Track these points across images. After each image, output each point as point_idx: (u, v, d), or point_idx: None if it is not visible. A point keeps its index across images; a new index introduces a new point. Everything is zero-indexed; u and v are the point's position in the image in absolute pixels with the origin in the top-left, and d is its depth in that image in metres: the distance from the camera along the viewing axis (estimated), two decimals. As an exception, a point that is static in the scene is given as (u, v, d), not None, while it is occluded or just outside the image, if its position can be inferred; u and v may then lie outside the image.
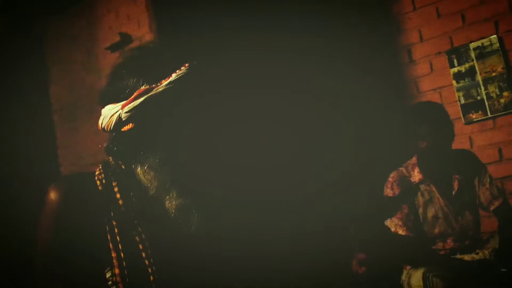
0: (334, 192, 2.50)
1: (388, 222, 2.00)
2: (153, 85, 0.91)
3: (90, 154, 3.17)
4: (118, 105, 0.93)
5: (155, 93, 0.90)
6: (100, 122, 0.97)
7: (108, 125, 0.95)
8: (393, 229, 1.98)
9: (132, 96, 0.91)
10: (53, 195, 0.93)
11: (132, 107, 0.91)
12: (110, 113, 0.94)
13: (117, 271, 0.88)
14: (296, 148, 2.59)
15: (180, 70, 0.91)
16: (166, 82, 0.90)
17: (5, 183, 2.92)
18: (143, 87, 0.91)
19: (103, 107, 0.97)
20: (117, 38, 2.78)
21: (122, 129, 0.93)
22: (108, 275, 0.90)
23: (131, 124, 0.92)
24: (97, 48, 3.06)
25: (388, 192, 2.03)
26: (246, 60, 2.51)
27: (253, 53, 2.56)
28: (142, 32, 2.71)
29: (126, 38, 2.76)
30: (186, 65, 0.92)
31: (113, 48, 2.86)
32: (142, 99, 0.90)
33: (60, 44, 3.39)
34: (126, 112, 0.91)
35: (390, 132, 2.72)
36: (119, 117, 0.92)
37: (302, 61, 2.78)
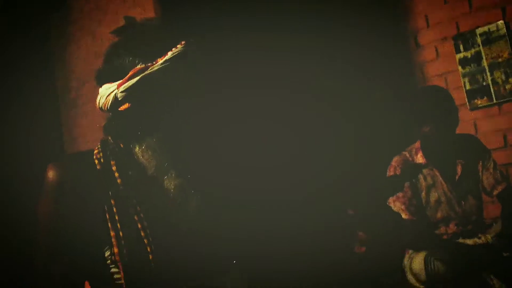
0: (334, 192, 2.49)
1: (390, 202, 2.00)
2: (149, 64, 0.90)
3: (97, 138, 3.16)
4: (114, 85, 0.92)
5: (150, 72, 0.89)
6: (97, 101, 0.97)
7: (105, 105, 0.94)
8: (395, 209, 1.97)
9: (128, 75, 0.90)
10: (51, 173, 0.93)
11: (127, 86, 0.90)
12: (106, 92, 0.93)
13: (115, 250, 0.88)
14: (296, 148, 2.59)
15: (176, 48, 0.90)
16: (162, 61, 0.89)
17: (5, 183, 2.92)
18: (138, 66, 0.90)
19: (101, 86, 0.96)
20: (122, 23, 2.77)
21: (119, 109, 0.93)
22: (107, 254, 0.90)
23: (127, 103, 0.91)
24: (103, 33, 3.05)
25: (390, 175, 2.03)
26: (246, 60, 2.51)
27: (253, 53, 2.55)
28: (147, 16, 2.70)
29: (131, 22, 2.74)
30: (183, 43, 0.91)
31: (118, 32, 2.84)
32: (137, 78, 0.89)
33: (66, 29, 3.39)
34: (121, 92, 0.90)
35: (390, 132, 2.72)
36: (115, 97, 0.91)
37: (302, 60, 2.78)
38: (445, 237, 1.98)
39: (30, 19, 3.29)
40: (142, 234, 0.89)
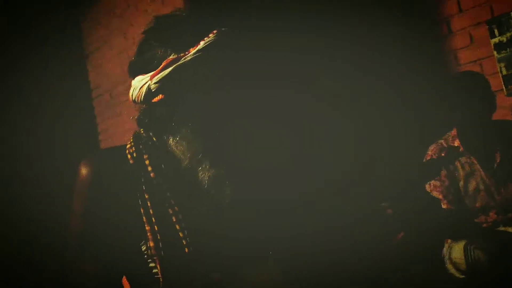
0: (334, 192, 2.49)
1: (428, 188, 1.97)
2: (181, 54, 0.89)
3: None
4: (147, 76, 0.91)
5: (184, 62, 0.88)
6: (130, 94, 0.96)
7: (138, 97, 0.94)
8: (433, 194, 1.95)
9: (160, 66, 0.89)
10: (84, 170, 0.93)
11: (160, 77, 0.89)
12: (139, 84, 0.93)
13: (151, 244, 0.88)
14: (296, 147, 2.59)
15: (208, 37, 0.89)
16: (194, 51, 0.88)
17: (5, 183, 2.92)
18: (171, 57, 0.89)
19: (133, 79, 0.96)
20: (151, 22, 2.78)
21: (153, 101, 0.92)
22: (143, 248, 0.90)
23: (161, 95, 0.91)
24: (133, 33, 3.07)
25: (427, 165, 2.01)
26: (245, 60, 2.50)
27: (253, 53, 2.55)
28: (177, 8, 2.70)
29: (161, 17, 2.76)
30: (214, 31, 0.90)
31: (149, 29, 2.86)
32: (170, 69, 0.88)
33: (98, 30, 3.42)
34: (155, 83, 0.90)
35: (390, 132, 2.72)
36: (149, 88, 0.91)
37: (304, 60, 2.78)
38: (485, 225, 1.94)
39: (30, 19, 3.30)
40: (177, 227, 0.88)
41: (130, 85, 0.97)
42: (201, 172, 0.90)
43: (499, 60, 2.61)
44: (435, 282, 1.99)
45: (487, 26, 2.64)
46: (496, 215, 1.93)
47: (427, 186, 1.98)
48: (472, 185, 1.94)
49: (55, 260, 2.76)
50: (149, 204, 0.89)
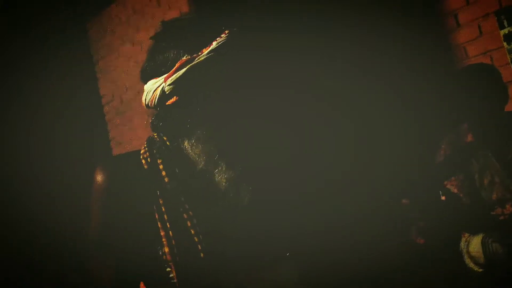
0: (334, 192, 2.49)
1: (446, 185, 1.96)
2: (194, 55, 0.88)
3: (143, 143, 3.21)
4: (161, 79, 0.91)
5: (197, 63, 0.87)
6: (143, 98, 0.95)
7: (151, 100, 0.93)
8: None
9: (174, 68, 0.89)
10: (99, 177, 0.93)
11: (175, 78, 0.88)
12: (153, 87, 0.92)
13: (166, 249, 0.87)
14: (297, 147, 2.59)
15: (220, 37, 0.89)
16: (207, 51, 0.88)
17: (5, 183, 2.92)
18: (184, 58, 0.89)
19: (145, 83, 0.95)
20: (159, 28, 2.80)
21: (167, 103, 0.91)
22: (160, 253, 0.89)
23: (175, 97, 0.90)
24: (140, 38, 3.09)
25: (441, 160, 2.00)
26: (245, 60, 2.50)
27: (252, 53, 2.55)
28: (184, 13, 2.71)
29: (169, 21, 2.80)
30: (226, 32, 0.90)
31: (157, 35, 2.89)
32: (184, 69, 0.88)
33: (105, 37, 3.45)
34: (169, 85, 0.89)
35: (390, 132, 2.72)
36: (163, 91, 0.90)
37: (305, 59, 2.78)
38: (502, 218, 1.91)
39: (30, 19, 3.30)
40: (192, 232, 0.88)
41: (140, 90, 0.97)
42: (217, 175, 0.89)
43: (510, 51, 2.58)
44: (435, 282, 1.99)
45: (496, 17, 2.60)
46: None
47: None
48: (487, 178, 1.92)
49: (55, 260, 2.77)
50: (163, 209, 0.89)
